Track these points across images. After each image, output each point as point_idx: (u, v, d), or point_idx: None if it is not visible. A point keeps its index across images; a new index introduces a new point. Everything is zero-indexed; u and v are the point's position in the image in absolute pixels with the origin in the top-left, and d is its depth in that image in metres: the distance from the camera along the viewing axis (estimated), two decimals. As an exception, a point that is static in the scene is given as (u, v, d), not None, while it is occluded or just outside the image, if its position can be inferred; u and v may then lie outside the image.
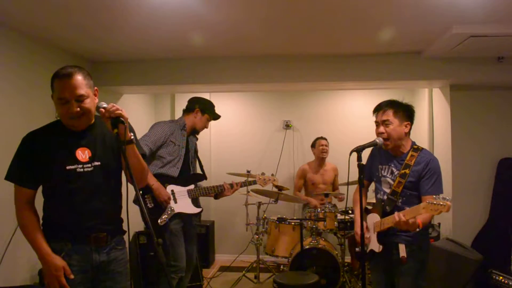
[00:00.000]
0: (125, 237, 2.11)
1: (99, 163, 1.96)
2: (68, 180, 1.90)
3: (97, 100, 1.96)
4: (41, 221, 1.96)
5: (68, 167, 1.89)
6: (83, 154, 1.93)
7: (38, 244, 1.86)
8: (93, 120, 1.99)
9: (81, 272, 1.91)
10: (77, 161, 1.91)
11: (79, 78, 1.85)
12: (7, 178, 1.91)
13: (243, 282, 4.48)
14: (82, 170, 1.91)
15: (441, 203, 2.04)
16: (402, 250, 2.39)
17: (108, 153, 1.99)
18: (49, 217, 1.96)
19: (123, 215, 2.11)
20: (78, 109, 1.86)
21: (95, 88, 1.97)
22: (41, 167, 1.89)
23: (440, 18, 2.91)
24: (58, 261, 1.85)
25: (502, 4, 2.66)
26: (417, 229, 2.26)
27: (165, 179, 3.21)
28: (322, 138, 5.01)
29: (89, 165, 1.93)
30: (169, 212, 3.16)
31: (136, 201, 3.02)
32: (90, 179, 1.93)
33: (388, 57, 3.93)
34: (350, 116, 5.50)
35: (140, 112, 5.24)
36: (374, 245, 2.53)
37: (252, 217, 4.59)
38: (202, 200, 3.57)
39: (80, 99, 1.85)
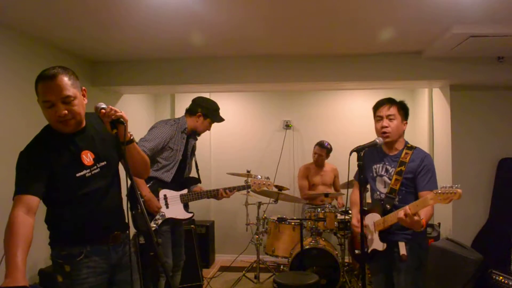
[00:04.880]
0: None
1: (104, 163, 1.94)
2: (80, 186, 1.87)
3: (86, 101, 1.89)
4: (49, 232, 1.92)
5: (78, 175, 1.86)
6: (87, 158, 1.89)
7: (17, 258, 1.55)
8: (84, 122, 1.92)
9: (99, 274, 1.90)
10: (84, 166, 1.88)
11: (64, 79, 1.76)
12: (19, 192, 1.72)
13: (243, 282, 4.48)
14: (90, 174, 1.89)
15: (452, 191, 1.97)
16: (402, 248, 2.41)
17: (110, 151, 1.98)
18: (62, 224, 1.90)
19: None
20: (66, 111, 1.76)
21: (83, 88, 1.88)
22: (49, 177, 1.79)
23: (440, 18, 2.91)
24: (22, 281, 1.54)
25: (502, 4, 2.66)
26: (421, 229, 2.25)
27: (158, 183, 3.20)
28: (322, 146, 4.93)
29: (95, 167, 1.91)
30: (159, 217, 3.14)
31: (132, 208, 3.02)
32: (99, 180, 1.92)
33: (388, 57, 3.93)
34: (350, 116, 5.50)
35: (140, 112, 5.24)
36: (377, 244, 2.51)
37: (252, 217, 4.59)
38: (202, 200, 3.55)
39: (67, 100, 1.76)
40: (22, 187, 1.73)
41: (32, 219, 1.70)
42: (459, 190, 1.97)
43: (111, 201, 1.98)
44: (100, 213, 1.92)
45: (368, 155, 2.69)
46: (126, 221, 2.01)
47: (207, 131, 3.49)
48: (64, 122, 1.79)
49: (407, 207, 2.23)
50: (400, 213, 2.23)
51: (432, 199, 2.09)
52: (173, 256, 3.26)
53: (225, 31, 3.28)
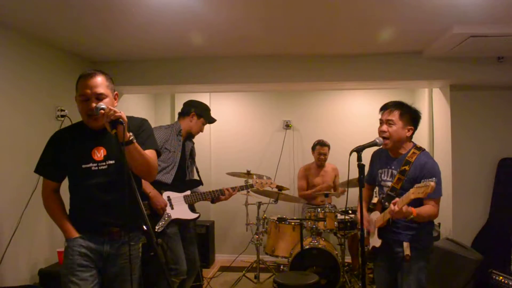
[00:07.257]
0: None
1: (113, 161, 2.06)
2: (83, 177, 2.04)
3: (116, 104, 2.09)
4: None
5: (83, 166, 2.03)
6: (98, 153, 2.06)
7: (62, 223, 2.07)
8: None
9: (87, 256, 2.02)
10: (92, 160, 2.04)
11: (99, 78, 2.02)
12: (36, 171, 2.13)
13: (243, 282, 4.48)
14: (96, 168, 2.04)
15: (426, 184, 2.10)
16: (407, 249, 2.41)
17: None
18: (72, 210, 2.13)
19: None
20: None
21: (115, 92, 2.12)
22: (62, 164, 2.07)
23: (440, 18, 2.91)
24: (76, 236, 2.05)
25: (502, 4, 2.66)
26: (411, 216, 2.25)
27: (159, 186, 3.18)
28: (323, 144, 4.88)
29: (104, 163, 2.05)
30: (166, 218, 3.13)
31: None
32: (105, 176, 2.04)
33: (388, 57, 3.93)
34: (350, 116, 5.50)
35: (140, 112, 5.23)
36: (375, 241, 2.55)
37: (252, 217, 4.59)
38: (203, 200, 3.55)
39: (100, 97, 1.99)
40: (44, 171, 2.12)
41: (58, 195, 2.13)
42: (432, 183, 2.08)
43: (114, 198, 2.04)
44: (100, 207, 2.04)
45: (375, 158, 2.69)
46: (140, 223, 2.14)
47: (201, 132, 3.51)
48: (94, 117, 1.99)
49: (392, 202, 2.29)
50: (391, 207, 2.29)
51: (413, 193, 2.18)
52: (186, 260, 3.22)
53: (225, 31, 3.28)
